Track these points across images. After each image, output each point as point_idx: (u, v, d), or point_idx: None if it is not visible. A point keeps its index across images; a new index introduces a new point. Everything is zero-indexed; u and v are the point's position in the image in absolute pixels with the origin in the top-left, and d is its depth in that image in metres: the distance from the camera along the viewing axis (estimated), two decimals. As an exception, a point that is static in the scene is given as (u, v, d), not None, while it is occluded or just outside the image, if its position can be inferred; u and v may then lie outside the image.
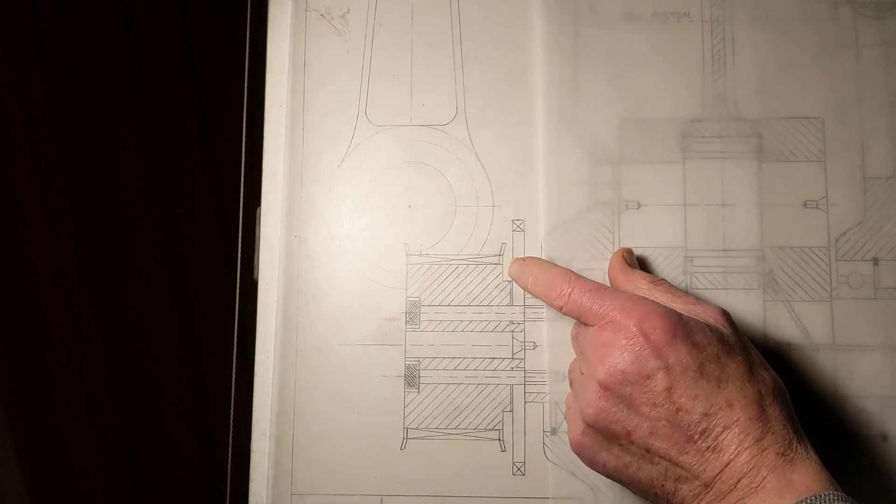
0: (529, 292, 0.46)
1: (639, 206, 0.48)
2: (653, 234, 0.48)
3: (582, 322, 0.43)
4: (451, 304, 0.48)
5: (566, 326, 0.47)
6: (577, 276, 0.44)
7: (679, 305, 0.41)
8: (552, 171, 0.49)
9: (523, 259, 0.47)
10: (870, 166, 0.47)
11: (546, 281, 0.45)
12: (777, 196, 0.48)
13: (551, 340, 0.47)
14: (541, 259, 0.47)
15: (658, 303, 0.41)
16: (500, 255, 0.48)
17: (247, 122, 0.51)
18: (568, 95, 0.49)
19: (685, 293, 0.43)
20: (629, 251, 0.47)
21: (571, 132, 0.49)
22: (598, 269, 0.48)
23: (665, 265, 0.48)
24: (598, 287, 0.43)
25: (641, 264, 0.47)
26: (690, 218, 0.48)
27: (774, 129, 0.48)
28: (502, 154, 0.49)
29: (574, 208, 0.48)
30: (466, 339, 0.48)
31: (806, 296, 0.47)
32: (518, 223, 0.49)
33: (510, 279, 0.48)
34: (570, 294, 0.43)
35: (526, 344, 0.48)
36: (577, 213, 0.48)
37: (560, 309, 0.44)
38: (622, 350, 0.39)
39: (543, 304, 0.47)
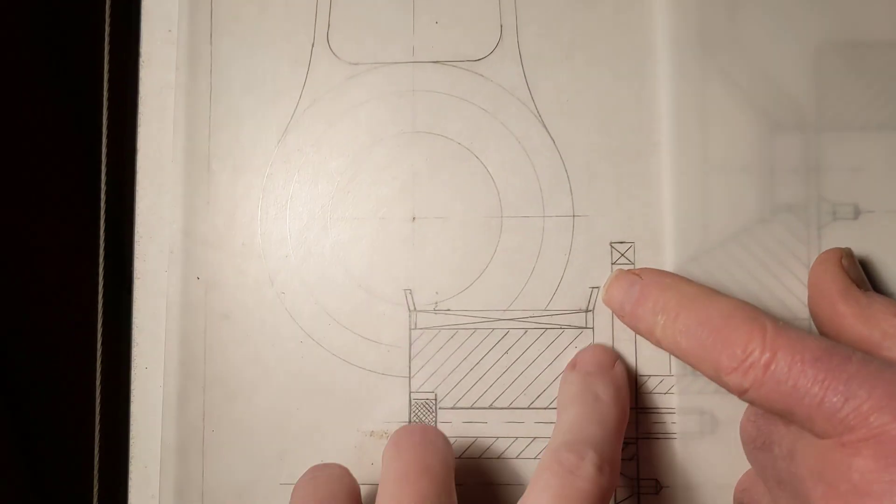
0: (663, 347, 0.23)
1: (857, 213, 0.25)
2: (884, 270, 0.25)
3: (786, 421, 0.21)
4: (496, 406, 0.25)
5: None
6: (776, 322, 0.21)
7: None
8: (687, 148, 0.25)
9: (638, 273, 0.24)
10: None
11: (709, 328, 0.22)
12: None
13: (701, 479, 0.25)
14: (680, 278, 0.24)
15: None
16: (587, 312, 0.25)
17: (109, 61, 0.27)
18: (719, 2, 0.25)
19: None
20: (849, 255, 0.24)
21: (726, 70, 0.25)
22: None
23: (912, 330, 0.24)
24: (829, 350, 0.20)
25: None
26: (961, 237, 0.25)
27: None
28: (590, 117, 0.26)
29: (731, 220, 0.25)
30: (524, 476, 0.25)
31: None
32: (622, 249, 0.25)
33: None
34: (766, 361, 0.20)
35: (641, 485, 0.25)
36: (739, 228, 0.25)
37: (741, 392, 0.21)
38: None
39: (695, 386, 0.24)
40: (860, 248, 0.25)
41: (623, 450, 0.24)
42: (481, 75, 0.26)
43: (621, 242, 0.25)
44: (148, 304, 0.26)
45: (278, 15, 0.26)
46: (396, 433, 0.23)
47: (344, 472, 0.23)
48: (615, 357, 0.25)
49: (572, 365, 0.25)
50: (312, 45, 0.26)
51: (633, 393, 0.25)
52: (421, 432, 0.23)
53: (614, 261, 0.25)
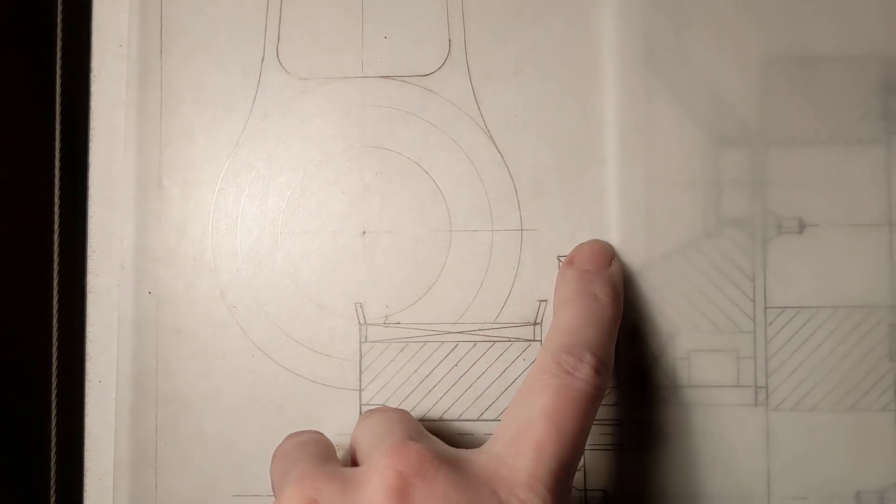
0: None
1: (802, 226, 0.25)
2: (829, 283, 0.25)
3: None
4: (445, 418, 0.25)
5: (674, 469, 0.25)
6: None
7: None
8: (633, 162, 0.25)
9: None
10: None
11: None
12: None
13: (647, 488, 0.25)
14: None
15: None
16: (535, 325, 0.26)
17: (62, 76, 0.27)
18: (664, 16, 0.26)
19: None
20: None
21: (671, 86, 0.26)
22: (725, 348, 0.25)
23: (851, 341, 0.25)
24: None
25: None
26: (903, 249, 0.25)
27: None
28: (538, 131, 0.26)
29: (677, 233, 0.25)
30: (475, 488, 0.25)
31: None
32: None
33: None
34: None
35: (589, 495, 0.25)
36: (684, 242, 0.25)
37: None
38: None
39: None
40: (805, 262, 0.25)
41: (570, 461, 0.25)
42: (430, 90, 0.26)
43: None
44: (101, 318, 0.26)
45: (228, 30, 0.26)
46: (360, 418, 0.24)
47: (317, 432, 0.24)
48: (612, 254, 0.25)
49: (569, 261, 0.25)
50: (262, 60, 0.26)
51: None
52: (383, 409, 0.24)
53: (562, 274, 0.26)
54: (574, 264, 0.24)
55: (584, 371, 0.21)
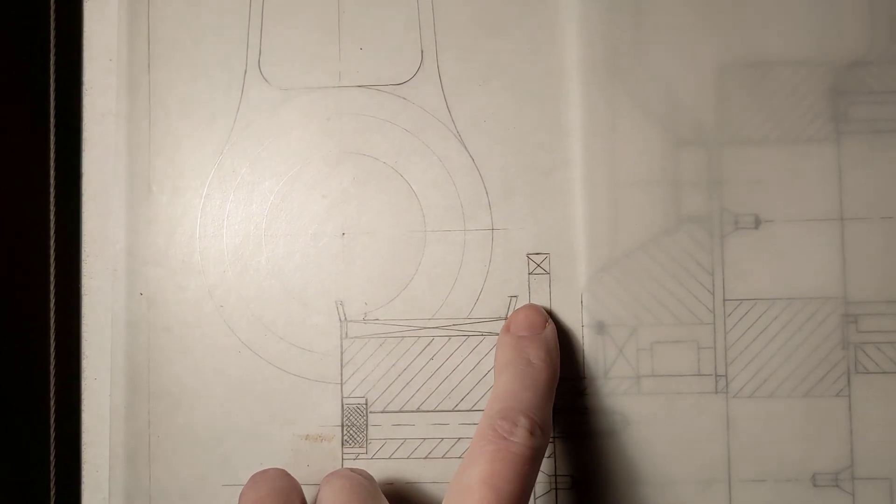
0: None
1: (757, 222, 0.27)
2: (784, 276, 0.26)
3: None
4: (423, 409, 0.27)
5: (618, 458, 0.26)
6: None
7: None
8: (597, 163, 0.27)
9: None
10: None
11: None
12: None
13: (613, 475, 0.26)
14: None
15: None
16: (506, 319, 0.27)
17: (55, 89, 0.29)
18: (624, 25, 0.27)
19: None
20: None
21: (632, 91, 0.27)
22: (686, 339, 0.26)
23: (806, 331, 0.26)
24: None
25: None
26: (852, 243, 0.26)
27: None
28: (506, 135, 0.27)
29: (639, 231, 0.27)
30: (450, 474, 0.26)
31: None
32: (538, 260, 0.27)
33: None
34: None
35: (559, 481, 0.27)
36: (646, 239, 0.27)
37: None
38: None
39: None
40: (761, 256, 0.26)
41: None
42: (404, 98, 0.28)
43: (537, 254, 0.27)
44: (96, 319, 0.28)
45: (212, 44, 0.28)
46: (326, 478, 0.25)
47: (282, 473, 0.25)
48: (546, 318, 0.26)
49: (506, 328, 0.26)
50: (245, 72, 0.28)
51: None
52: (346, 476, 0.24)
53: (531, 271, 0.27)
54: (510, 331, 0.26)
55: (519, 434, 0.22)
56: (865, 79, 0.27)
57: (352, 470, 0.25)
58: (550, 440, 0.26)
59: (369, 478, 0.25)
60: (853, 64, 0.27)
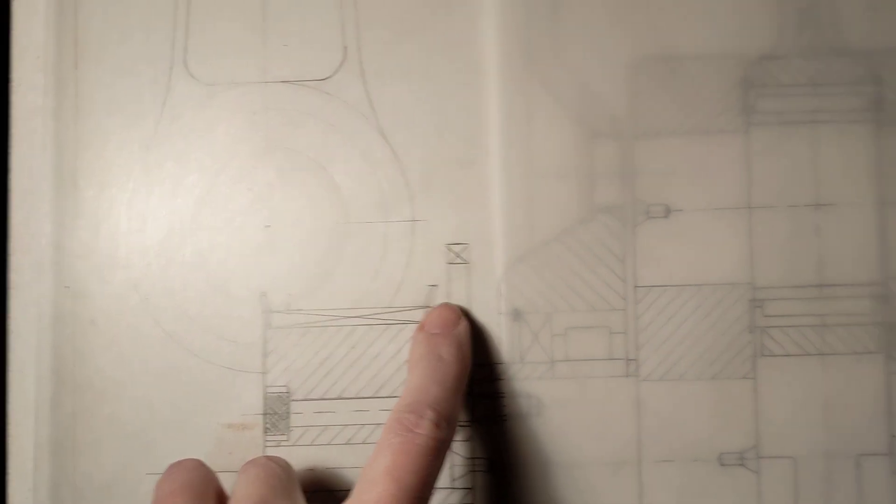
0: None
1: (668, 212, 0.27)
2: (693, 263, 0.27)
3: None
4: (345, 396, 0.27)
5: (534, 447, 0.27)
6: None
7: None
8: (514, 155, 0.28)
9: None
10: None
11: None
12: (913, 187, 0.27)
13: (530, 457, 0.27)
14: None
15: None
16: (426, 308, 0.28)
17: (-17, 86, 0.29)
18: (542, 20, 0.28)
19: None
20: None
21: (548, 84, 0.28)
22: (598, 325, 0.27)
23: (714, 316, 0.27)
24: None
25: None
26: (760, 231, 0.27)
27: (901, 68, 0.27)
28: (427, 129, 0.28)
29: (555, 221, 0.27)
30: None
31: (968, 364, 0.27)
32: (457, 250, 0.28)
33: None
34: None
35: (476, 463, 0.27)
36: (562, 229, 0.27)
37: None
38: None
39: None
40: (671, 244, 0.27)
41: (458, 432, 0.27)
42: (327, 93, 0.28)
43: (456, 244, 0.28)
44: (22, 312, 0.28)
45: (139, 41, 0.28)
46: (243, 466, 0.25)
47: (198, 464, 0.25)
48: (459, 316, 0.27)
49: (421, 326, 0.27)
50: (171, 68, 0.28)
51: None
52: (262, 465, 0.25)
53: (450, 261, 0.28)
54: (425, 329, 0.26)
55: (425, 426, 0.23)
56: (774, 71, 0.27)
57: (269, 458, 0.25)
58: (469, 424, 0.27)
59: (286, 466, 0.25)
60: (762, 57, 0.28)
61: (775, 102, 0.27)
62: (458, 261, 0.28)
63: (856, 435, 0.27)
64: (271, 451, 0.27)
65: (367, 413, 0.27)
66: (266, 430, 0.27)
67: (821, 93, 0.27)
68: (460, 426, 0.27)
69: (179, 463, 0.25)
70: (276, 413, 0.27)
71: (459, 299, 0.27)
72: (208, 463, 0.25)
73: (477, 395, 0.27)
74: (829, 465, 0.27)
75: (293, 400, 0.27)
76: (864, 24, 0.27)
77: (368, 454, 0.27)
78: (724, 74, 0.28)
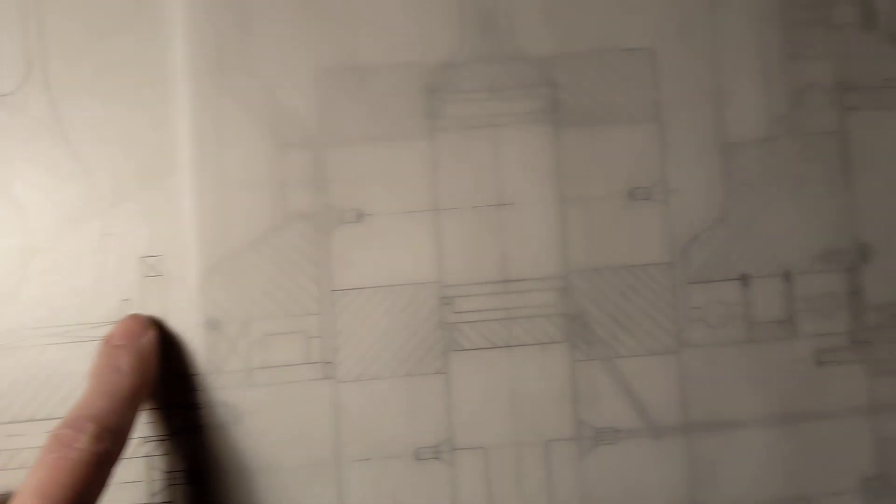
0: None
1: (360, 216, 0.28)
2: (386, 265, 0.28)
3: None
4: (36, 418, 0.27)
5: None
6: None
7: None
8: (206, 167, 0.28)
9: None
10: (733, 124, 0.29)
11: None
12: (586, 184, 0.29)
13: (218, 463, 0.27)
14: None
15: None
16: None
17: None
18: (230, 29, 0.28)
19: None
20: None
21: (239, 95, 0.28)
22: (295, 330, 0.28)
23: (407, 315, 0.28)
24: None
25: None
26: (447, 231, 0.28)
27: (578, 72, 0.29)
28: (117, 143, 0.28)
29: (249, 229, 0.28)
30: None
31: (640, 347, 0.29)
32: (151, 263, 0.28)
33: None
34: None
35: (175, 476, 0.27)
36: (256, 237, 0.28)
37: None
38: None
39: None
40: (364, 248, 0.28)
41: (157, 446, 0.27)
42: (11, 109, 0.28)
43: (150, 256, 0.28)
44: None
45: None
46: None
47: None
48: (146, 327, 0.27)
49: (106, 338, 0.26)
50: None
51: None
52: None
53: (145, 273, 0.27)
54: (109, 341, 0.26)
55: (83, 441, 0.22)
56: (455, 78, 0.29)
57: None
58: (167, 437, 0.27)
59: None
60: (444, 65, 0.29)
61: (457, 108, 0.29)
62: (153, 273, 0.27)
63: (544, 421, 0.28)
64: (-42, 480, 0.26)
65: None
66: (-49, 459, 0.26)
67: (500, 97, 0.29)
68: (160, 439, 0.27)
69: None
70: (-39, 440, 0.26)
71: (155, 311, 0.27)
72: None
73: (174, 406, 0.27)
74: (520, 452, 0.28)
75: (-22, 425, 0.27)
76: (540, 31, 0.29)
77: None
78: (408, 82, 0.29)
